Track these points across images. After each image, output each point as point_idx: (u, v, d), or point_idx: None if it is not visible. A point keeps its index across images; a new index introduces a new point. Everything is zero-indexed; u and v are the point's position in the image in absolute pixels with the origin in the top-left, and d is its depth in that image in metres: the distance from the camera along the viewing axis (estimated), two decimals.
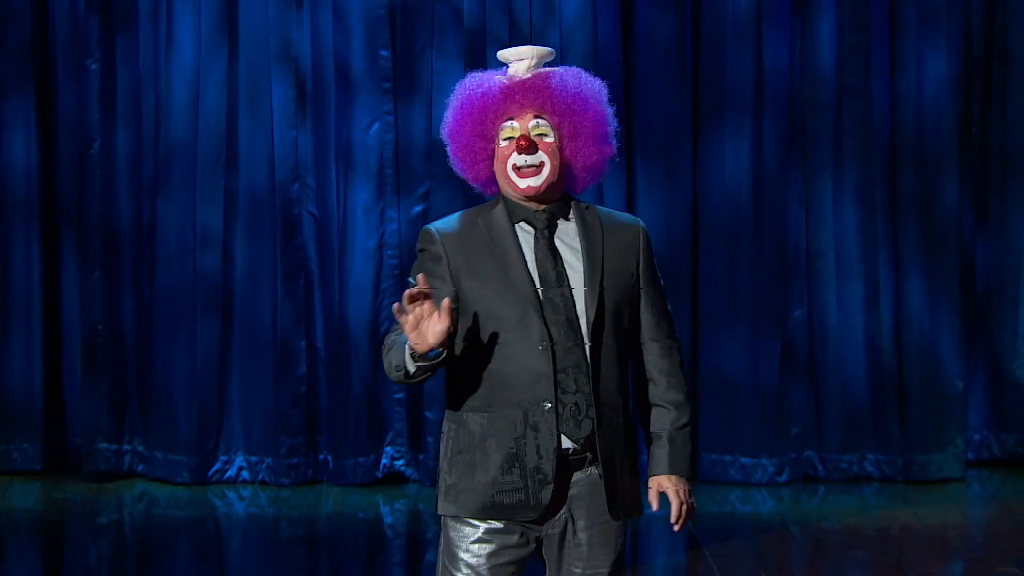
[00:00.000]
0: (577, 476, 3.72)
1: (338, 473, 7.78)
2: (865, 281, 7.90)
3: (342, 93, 7.73)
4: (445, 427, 3.78)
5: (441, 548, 3.78)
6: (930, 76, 7.87)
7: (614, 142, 3.78)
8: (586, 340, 3.66)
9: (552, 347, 3.64)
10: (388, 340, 3.70)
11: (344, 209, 7.75)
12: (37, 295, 7.90)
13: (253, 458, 7.84)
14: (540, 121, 3.71)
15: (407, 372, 3.59)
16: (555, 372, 3.64)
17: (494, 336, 3.66)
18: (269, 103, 7.77)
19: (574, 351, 3.65)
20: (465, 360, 3.68)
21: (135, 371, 7.88)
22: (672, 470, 3.79)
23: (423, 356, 3.54)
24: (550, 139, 3.71)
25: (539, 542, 3.77)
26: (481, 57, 7.59)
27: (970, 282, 8.06)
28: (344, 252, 7.75)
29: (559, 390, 3.64)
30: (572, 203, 3.77)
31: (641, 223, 3.83)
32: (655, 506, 3.81)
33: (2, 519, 7.30)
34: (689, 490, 3.79)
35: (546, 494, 3.66)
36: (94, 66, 7.76)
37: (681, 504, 3.76)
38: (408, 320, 3.50)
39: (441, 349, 3.55)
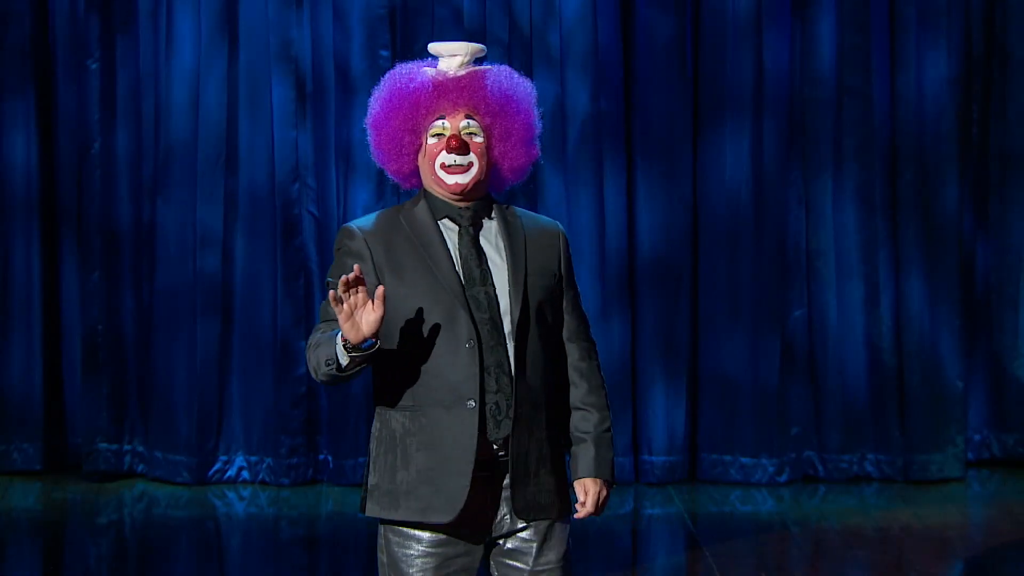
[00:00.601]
0: (507, 475, 3.69)
1: (338, 473, 7.78)
2: (865, 281, 7.90)
3: (342, 93, 7.73)
4: (372, 426, 3.75)
5: (384, 561, 3.73)
6: (930, 76, 7.87)
7: (539, 145, 3.76)
8: (509, 339, 3.64)
9: (479, 345, 3.61)
10: (312, 339, 3.64)
11: (344, 209, 7.75)
12: (37, 295, 7.90)
13: (253, 458, 7.84)
14: (471, 121, 3.68)
15: (339, 365, 3.53)
16: (481, 370, 3.61)
17: (420, 334, 3.62)
18: (269, 103, 7.77)
19: (497, 350, 3.63)
20: (390, 358, 3.64)
21: (135, 371, 7.88)
22: (597, 473, 3.75)
23: (356, 347, 3.50)
24: (480, 139, 3.69)
25: (487, 547, 3.75)
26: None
27: (970, 282, 8.06)
28: None
29: (483, 389, 3.62)
30: (493, 203, 3.76)
31: (560, 226, 3.82)
32: (580, 502, 3.78)
33: (2, 519, 7.30)
34: (607, 494, 3.78)
35: (462, 496, 3.62)
36: (94, 66, 7.76)
37: (596, 507, 3.75)
38: (343, 310, 3.46)
39: (375, 340, 3.50)
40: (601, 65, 7.75)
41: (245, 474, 7.85)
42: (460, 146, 3.65)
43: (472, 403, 3.61)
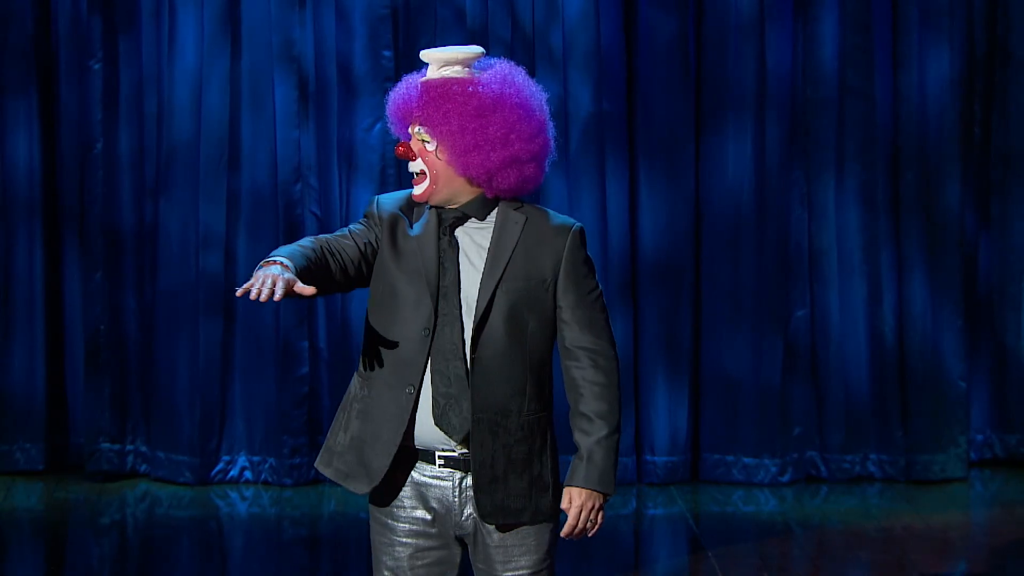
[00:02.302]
0: (475, 477, 3.72)
1: None
2: (867, 281, 7.89)
3: (345, 93, 7.73)
4: None
5: (371, 540, 3.86)
6: (932, 76, 7.86)
7: (517, 146, 3.73)
8: (467, 343, 3.69)
9: (433, 335, 3.68)
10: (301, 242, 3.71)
11: (347, 209, 7.75)
12: (39, 295, 7.90)
13: (256, 458, 7.84)
14: (420, 128, 3.75)
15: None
16: (428, 360, 3.69)
17: (390, 310, 3.73)
18: (271, 103, 7.77)
19: (453, 349, 3.69)
20: (369, 327, 3.77)
21: (137, 371, 7.88)
22: (585, 484, 3.74)
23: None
24: (431, 146, 3.74)
25: (463, 544, 3.79)
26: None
27: (972, 282, 8.05)
28: None
29: (434, 381, 3.69)
30: (500, 204, 3.78)
31: (575, 226, 3.79)
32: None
33: (5, 519, 7.31)
34: (599, 506, 3.76)
35: (380, 473, 3.71)
36: (96, 66, 7.76)
37: (578, 518, 3.74)
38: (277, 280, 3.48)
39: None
40: (603, 65, 7.74)
41: (247, 474, 7.85)
42: (404, 153, 3.76)
43: (411, 389, 3.70)
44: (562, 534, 3.77)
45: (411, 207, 3.81)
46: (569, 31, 7.75)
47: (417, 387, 3.69)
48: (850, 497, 7.71)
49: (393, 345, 3.71)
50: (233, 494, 7.72)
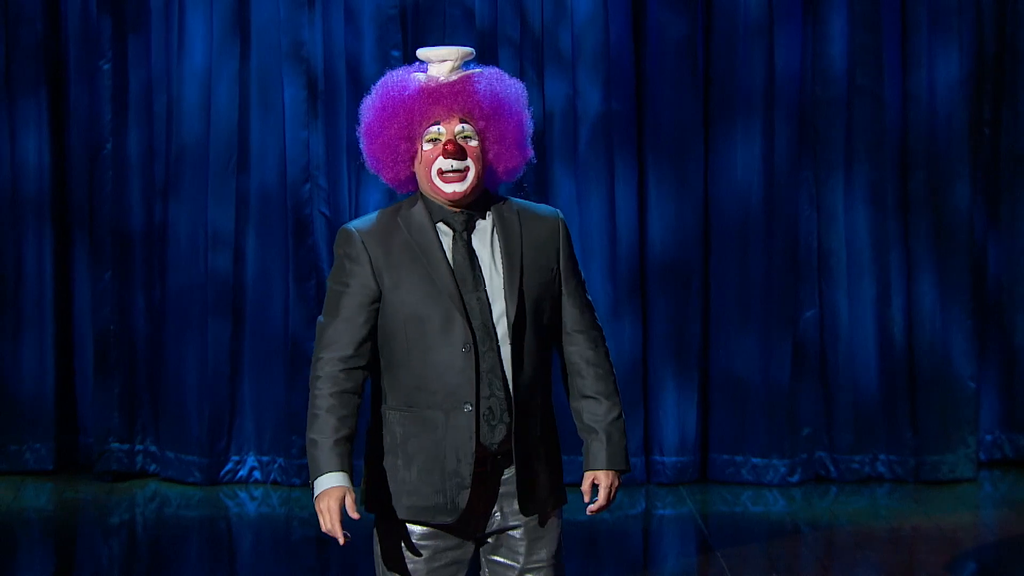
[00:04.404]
0: (506, 474, 3.73)
1: None
2: (876, 281, 7.89)
3: (354, 93, 7.73)
4: (370, 424, 3.79)
5: (378, 553, 3.79)
6: (942, 76, 7.86)
7: (531, 145, 3.78)
8: (501, 344, 3.68)
9: (475, 349, 3.65)
10: (325, 406, 3.68)
11: (356, 209, 7.76)
12: (49, 295, 7.91)
13: (265, 458, 7.85)
14: (465, 126, 3.70)
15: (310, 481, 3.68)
16: (477, 375, 3.65)
17: (418, 337, 3.66)
18: (281, 103, 7.78)
19: (490, 355, 3.66)
20: (388, 360, 3.70)
21: (147, 371, 7.89)
22: (610, 465, 3.79)
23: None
24: (475, 143, 3.71)
25: (478, 541, 3.79)
26: (493, 57, 7.59)
27: (981, 282, 8.04)
28: None
29: (479, 394, 3.65)
30: (490, 200, 3.78)
31: (560, 214, 3.83)
32: (588, 498, 3.82)
33: (14, 519, 7.32)
34: (620, 483, 3.82)
35: (463, 498, 3.68)
36: (106, 67, 7.77)
37: (608, 498, 3.79)
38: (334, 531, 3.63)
39: None
40: (612, 65, 7.74)
41: (257, 474, 7.86)
42: (456, 151, 3.68)
43: (469, 407, 3.66)
44: (589, 511, 3.80)
45: (388, 227, 3.72)
46: (578, 31, 7.75)
47: (474, 403, 3.66)
48: (859, 498, 7.71)
49: (438, 371, 3.65)
50: (242, 494, 7.73)
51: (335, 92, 7.75)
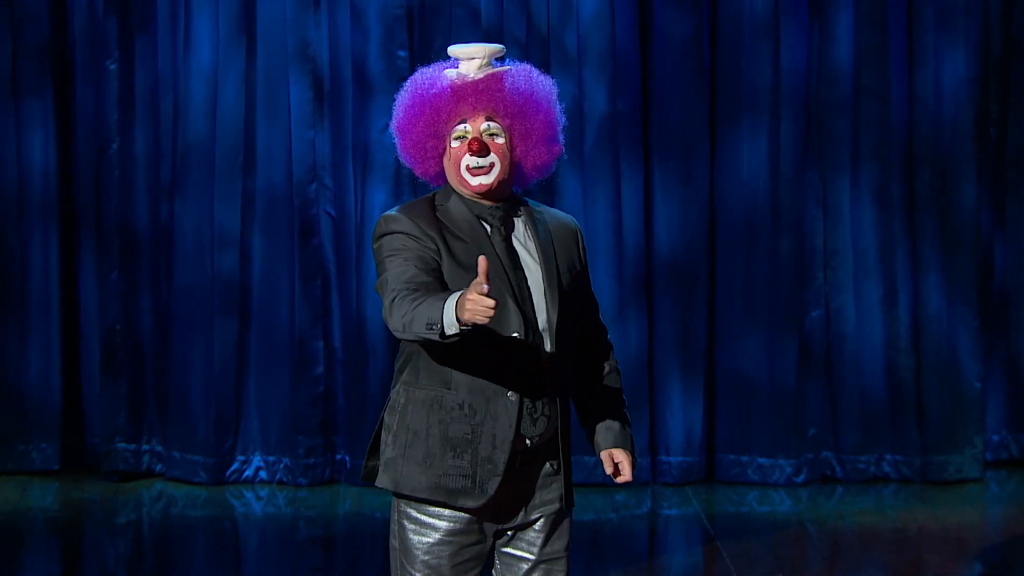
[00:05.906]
0: (533, 470, 3.76)
1: (355, 473, 7.78)
2: (882, 281, 7.88)
3: (360, 93, 7.73)
4: (394, 397, 3.77)
5: (395, 546, 3.78)
6: (948, 76, 7.85)
7: (562, 141, 3.81)
8: (545, 338, 3.71)
9: (526, 337, 3.67)
10: (402, 296, 3.55)
11: (361, 209, 7.76)
12: (55, 295, 7.92)
13: (271, 458, 7.85)
14: (491, 124, 3.73)
15: (443, 332, 3.46)
16: (525, 364, 3.67)
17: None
18: (287, 103, 7.78)
19: (535, 347, 3.68)
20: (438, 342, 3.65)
21: (153, 371, 7.90)
22: (631, 447, 3.88)
23: (465, 324, 3.44)
24: (501, 140, 3.74)
25: (496, 535, 3.80)
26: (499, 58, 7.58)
27: (988, 282, 8.04)
28: (361, 252, 7.76)
29: (526, 383, 3.67)
30: (518, 201, 3.82)
31: (575, 220, 3.92)
32: (610, 469, 3.87)
33: (20, 519, 7.33)
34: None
35: (493, 485, 3.68)
36: (112, 67, 7.78)
37: (631, 473, 3.86)
38: (487, 300, 3.38)
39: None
40: (618, 65, 7.74)
41: (263, 474, 7.86)
42: (481, 148, 3.70)
43: (512, 395, 3.67)
44: (621, 480, 3.85)
45: (431, 217, 3.72)
46: (584, 31, 7.76)
47: (518, 393, 3.67)
48: (865, 498, 7.71)
49: (484, 357, 3.65)
50: (248, 494, 7.74)
51: (341, 92, 7.75)
